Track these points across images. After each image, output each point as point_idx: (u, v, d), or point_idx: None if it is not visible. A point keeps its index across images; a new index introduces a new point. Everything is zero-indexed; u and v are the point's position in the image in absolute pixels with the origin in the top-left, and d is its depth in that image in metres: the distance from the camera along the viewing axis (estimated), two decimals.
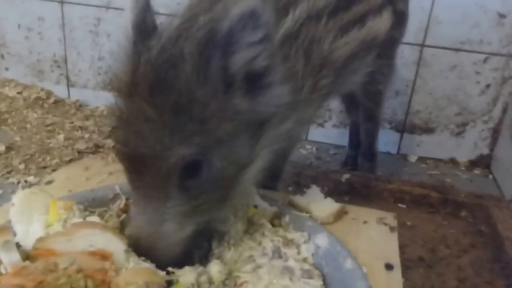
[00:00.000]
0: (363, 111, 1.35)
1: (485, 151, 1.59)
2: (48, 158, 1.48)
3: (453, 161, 1.62)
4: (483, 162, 1.59)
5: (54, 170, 1.37)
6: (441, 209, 1.33)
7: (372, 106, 1.31)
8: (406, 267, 1.11)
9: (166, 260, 0.71)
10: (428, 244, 1.19)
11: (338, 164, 1.54)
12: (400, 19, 1.17)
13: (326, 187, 1.39)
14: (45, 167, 1.43)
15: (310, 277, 0.78)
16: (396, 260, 0.79)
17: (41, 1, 1.80)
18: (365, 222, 0.90)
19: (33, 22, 1.85)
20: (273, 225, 0.88)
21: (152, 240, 0.72)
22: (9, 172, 1.40)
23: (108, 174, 1.11)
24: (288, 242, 0.86)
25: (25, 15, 1.85)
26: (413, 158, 1.63)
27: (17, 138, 1.60)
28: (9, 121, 1.73)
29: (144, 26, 0.73)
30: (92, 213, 0.91)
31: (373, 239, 0.85)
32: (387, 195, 1.35)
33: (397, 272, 0.77)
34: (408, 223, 1.27)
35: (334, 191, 1.38)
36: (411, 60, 1.53)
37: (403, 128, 1.62)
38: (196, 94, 0.67)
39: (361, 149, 1.46)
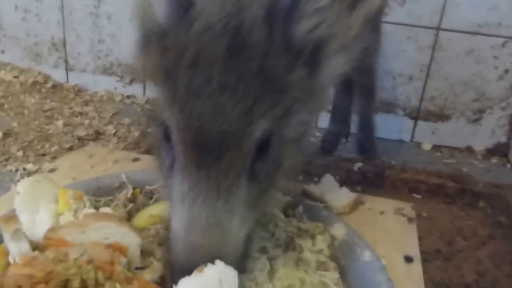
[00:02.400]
0: (360, 89, 1.37)
1: (503, 139, 1.58)
2: (47, 145, 1.47)
3: (469, 150, 1.61)
4: (501, 151, 1.59)
5: (53, 158, 1.37)
6: (458, 199, 1.32)
7: (368, 82, 1.33)
8: (423, 260, 1.10)
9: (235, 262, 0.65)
10: (445, 236, 1.19)
11: (349, 152, 1.52)
12: None
13: (337, 176, 1.39)
14: (44, 155, 1.43)
15: (326, 269, 0.78)
16: (415, 252, 0.79)
17: None
18: (382, 212, 0.89)
19: (31, 3, 1.83)
20: (286, 216, 0.87)
21: (221, 241, 0.65)
22: (6, 160, 1.39)
23: (113, 162, 1.10)
24: (303, 233, 0.85)
25: None
26: (427, 146, 1.62)
27: (15, 124, 1.59)
28: (6, 106, 1.72)
29: None
30: (97, 202, 0.91)
31: (391, 230, 0.85)
32: (401, 184, 1.35)
33: (417, 265, 0.76)
34: (424, 214, 1.26)
35: (346, 181, 1.37)
36: (426, 44, 1.52)
37: (417, 115, 1.61)
38: (267, 62, 0.63)
39: (360, 130, 1.48)
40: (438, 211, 1.28)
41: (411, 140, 1.64)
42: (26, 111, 1.69)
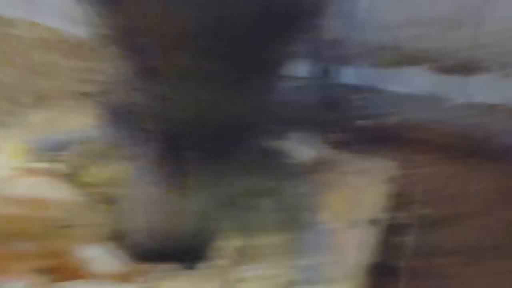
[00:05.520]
0: None
1: None
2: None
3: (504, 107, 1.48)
4: None
5: None
6: (476, 161, 1.24)
7: None
8: (422, 224, 1.07)
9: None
10: (452, 201, 1.13)
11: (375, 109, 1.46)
12: None
13: (350, 135, 1.35)
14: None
15: (283, 229, 0.78)
16: (380, 216, 0.76)
17: None
18: (358, 172, 0.86)
19: None
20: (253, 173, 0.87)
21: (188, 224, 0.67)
22: None
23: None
24: (265, 191, 0.85)
25: None
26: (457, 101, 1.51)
27: None
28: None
29: None
30: (52, 157, 0.93)
31: (360, 189, 0.82)
32: (410, 143, 1.29)
33: (375, 229, 0.74)
34: (436, 176, 1.21)
35: (358, 139, 1.33)
36: None
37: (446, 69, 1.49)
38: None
39: (317, 69, 1.43)
40: (447, 172, 1.22)
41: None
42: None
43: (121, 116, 0.69)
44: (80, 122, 1.05)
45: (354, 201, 0.79)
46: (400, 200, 1.11)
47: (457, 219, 1.08)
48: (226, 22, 0.55)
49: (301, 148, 0.91)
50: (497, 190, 1.15)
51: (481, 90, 1.49)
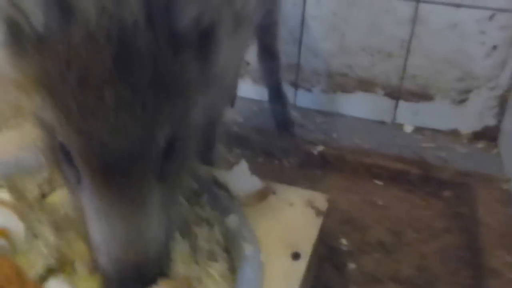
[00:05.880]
0: (264, 50, 1.36)
1: (492, 121, 1.48)
2: None
3: (454, 133, 1.52)
4: (489, 135, 1.49)
5: None
6: (421, 187, 1.27)
7: (269, 43, 1.35)
8: (361, 251, 1.07)
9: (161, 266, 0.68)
10: (395, 227, 1.15)
11: (324, 134, 1.47)
12: None
13: (297, 159, 1.36)
14: None
15: (215, 260, 0.77)
16: (307, 249, 0.76)
17: None
18: (291, 204, 0.86)
19: None
20: (189, 203, 0.86)
21: (145, 250, 0.65)
22: None
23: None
24: (202, 222, 0.84)
25: None
26: (409, 128, 1.54)
27: None
28: None
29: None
30: (11, 183, 0.92)
31: (293, 224, 0.82)
32: (362, 170, 1.30)
33: (302, 263, 0.73)
34: (380, 202, 1.22)
35: (305, 164, 1.35)
36: (405, 18, 1.43)
37: (398, 94, 1.53)
38: (158, 67, 0.60)
39: (269, 95, 1.48)
40: (396, 199, 1.24)
41: (393, 122, 1.57)
42: None
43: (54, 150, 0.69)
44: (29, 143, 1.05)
45: (287, 233, 0.79)
46: (341, 227, 1.12)
47: (398, 246, 1.09)
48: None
49: (240, 177, 0.90)
50: (443, 217, 1.17)
51: (430, 116, 1.53)
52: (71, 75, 0.58)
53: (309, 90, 1.62)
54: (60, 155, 0.66)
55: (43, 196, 0.92)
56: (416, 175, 1.27)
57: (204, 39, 0.66)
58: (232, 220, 0.81)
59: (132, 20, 0.59)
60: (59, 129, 0.62)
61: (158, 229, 0.66)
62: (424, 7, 1.40)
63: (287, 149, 1.35)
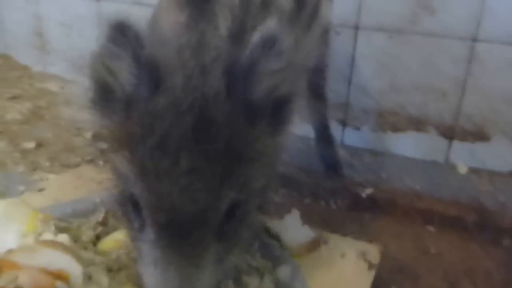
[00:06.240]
0: (312, 91, 1.35)
1: None
2: (72, 156, 1.56)
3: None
4: None
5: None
6: (478, 235, 1.20)
7: (320, 82, 1.34)
8: None
9: None
10: (449, 277, 1.09)
11: (373, 173, 1.44)
12: None
13: (345, 201, 1.33)
14: (68, 166, 1.52)
15: None
16: None
17: None
18: (343, 255, 0.84)
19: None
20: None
21: None
22: (34, 169, 1.50)
23: (98, 183, 1.14)
24: (252, 271, 0.83)
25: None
26: (463, 169, 1.48)
27: (50, 135, 1.71)
28: (47, 117, 1.86)
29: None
30: (67, 225, 0.94)
31: (345, 276, 0.79)
32: (414, 214, 1.26)
33: None
34: (433, 250, 1.17)
35: (353, 206, 1.31)
36: (460, 57, 1.39)
37: (452, 134, 1.48)
38: (233, 137, 0.64)
39: (317, 136, 1.45)
40: (450, 247, 1.18)
41: (446, 162, 1.51)
42: (62, 122, 1.81)
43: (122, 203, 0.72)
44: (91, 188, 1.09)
45: (339, 286, 0.76)
46: (392, 276, 1.07)
47: None
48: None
49: (292, 226, 0.89)
50: (503, 267, 1.11)
51: (487, 157, 1.47)
52: (151, 138, 0.63)
53: (357, 129, 1.60)
54: (129, 204, 0.69)
55: (97, 238, 0.95)
56: (472, 221, 1.22)
57: (278, 112, 0.68)
58: (283, 271, 0.79)
59: (214, 91, 0.63)
60: (133, 182, 0.66)
61: (210, 282, 0.67)
62: (480, 46, 1.36)
63: (335, 191, 1.32)
